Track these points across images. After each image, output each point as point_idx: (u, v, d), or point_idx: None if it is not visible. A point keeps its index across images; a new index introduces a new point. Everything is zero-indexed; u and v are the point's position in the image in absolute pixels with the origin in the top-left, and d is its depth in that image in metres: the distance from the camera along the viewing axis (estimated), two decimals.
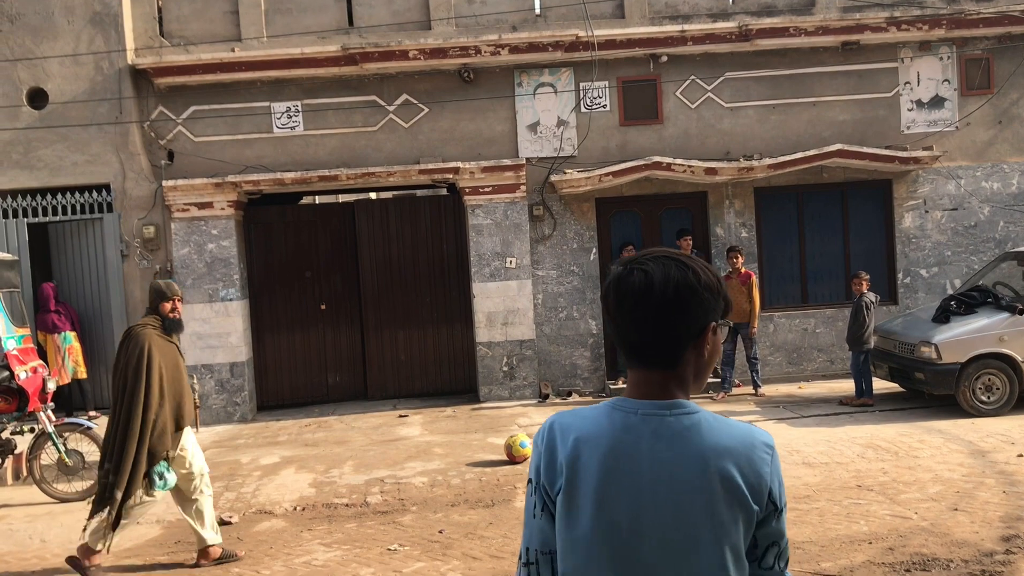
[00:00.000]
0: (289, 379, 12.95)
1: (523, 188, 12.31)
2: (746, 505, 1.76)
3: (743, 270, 11.65)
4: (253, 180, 12.00)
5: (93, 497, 6.40)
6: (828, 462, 8.31)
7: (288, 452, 10.06)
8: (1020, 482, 7.37)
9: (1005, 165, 12.79)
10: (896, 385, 10.87)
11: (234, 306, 12.17)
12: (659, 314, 1.77)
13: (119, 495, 6.13)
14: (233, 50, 11.97)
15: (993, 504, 6.86)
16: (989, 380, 9.85)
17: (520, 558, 1.94)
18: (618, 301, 1.81)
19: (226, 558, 6.52)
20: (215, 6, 12.10)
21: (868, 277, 11.00)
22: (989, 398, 9.84)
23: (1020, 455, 8.15)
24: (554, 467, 1.84)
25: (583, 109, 12.40)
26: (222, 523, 7.50)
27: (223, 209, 12.07)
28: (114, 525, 6.22)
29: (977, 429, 9.20)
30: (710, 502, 1.74)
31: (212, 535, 6.50)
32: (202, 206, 12.05)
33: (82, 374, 11.71)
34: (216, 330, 12.11)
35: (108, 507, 6.18)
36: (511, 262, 12.36)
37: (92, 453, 8.66)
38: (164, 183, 11.96)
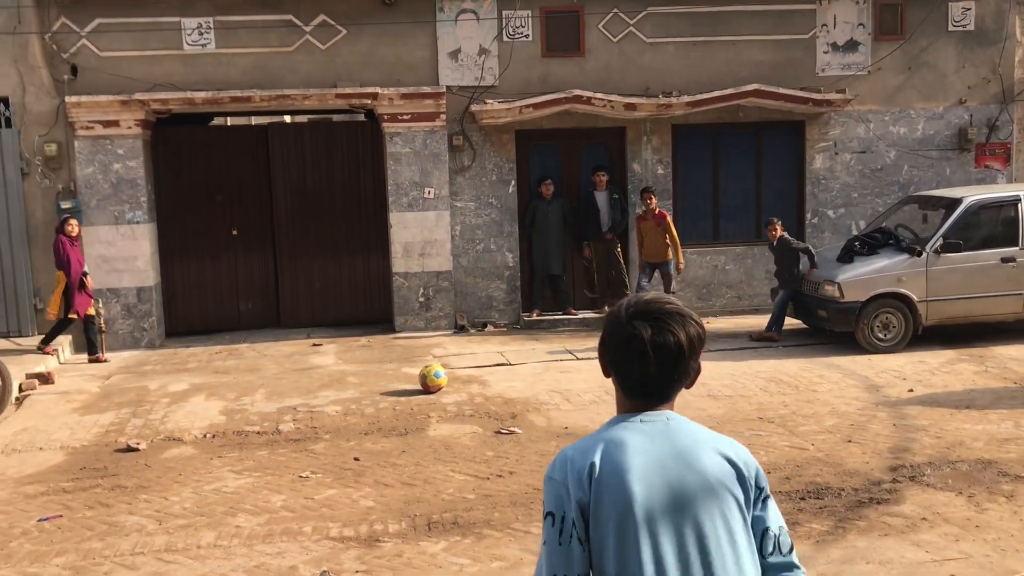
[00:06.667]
0: (199, 305, 12.69)
1: (443, 117, 12.16)
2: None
3: (657, 210, 11.83)
4: (162, 99, 11.55)
5: None
6: (732, 395, 8.60)
7: (198, 379, 9.92)
8: (908, 415, 7.76)
9: (912, 111, 13.16)
10: (800, 322, 11.25)
11: (141, 229, 11.81)
12: (682, 366, 2.10)
13: None
14: None
15: (883, 436, 7.22)
16: (887, 318, 10.27)
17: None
18: (651, 355, 2.06)
19: None
20: None
21: (780, 222, 11.28)
22: (886, 335, 10.27)
23: (910, 391, 8.57)
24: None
25: (505, 38, 12.24)
26: (129, 449, 7.40)
27: (130, 128, 11.62)
28: None
29: (873, 365, 9.62)
30: None
31: None
32: (108, 124, 11.56)
33: None
34: (122, 253, 11.75)
35: None
36: (429, 192, 12.26)
37: None
38: (67, 99, 11.42)
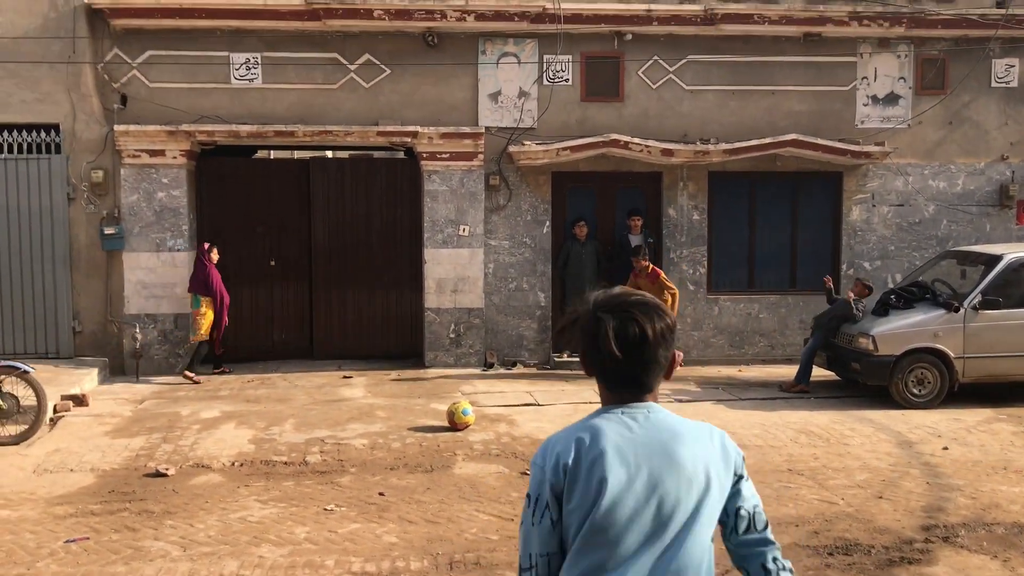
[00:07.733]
0: (234, 334, 12.80)
1: (481, 157, 12.29)
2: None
3: (649, 269, 11.43)
4: (208, 130, 11.80)
5: None
6: (762, 445, 8.51)
7: (229, 407, 10.01)
8: (943, 474, 7.63)
9: (952, 165, 13.08)
10: (833, 374, 11.13)
11: (181, 257, 12.00)
12: (653, 355, 2.15)
13: None
14: None
15: (916, 494, 7.10)
16: (921, 374, 10.13)
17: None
18: (618, 347, 2.13)
19: None
20: None
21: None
22: (920, 391, 10.12)
23: (945, 448, 8.42)
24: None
25: (545, 82, 12.38)
26: (157, 474, 7.46)
27: (175, 158, 11.86)
28: None
29: (907, 421, 9.48)
30: None
31: None
32: (154, 153, 11.82)
33: None
34: (161, 280, 11.94)
35: None
36: (464, 230, 12.35)
37: (28, 397, 8.53)
38: (116, 127, 11.70)
